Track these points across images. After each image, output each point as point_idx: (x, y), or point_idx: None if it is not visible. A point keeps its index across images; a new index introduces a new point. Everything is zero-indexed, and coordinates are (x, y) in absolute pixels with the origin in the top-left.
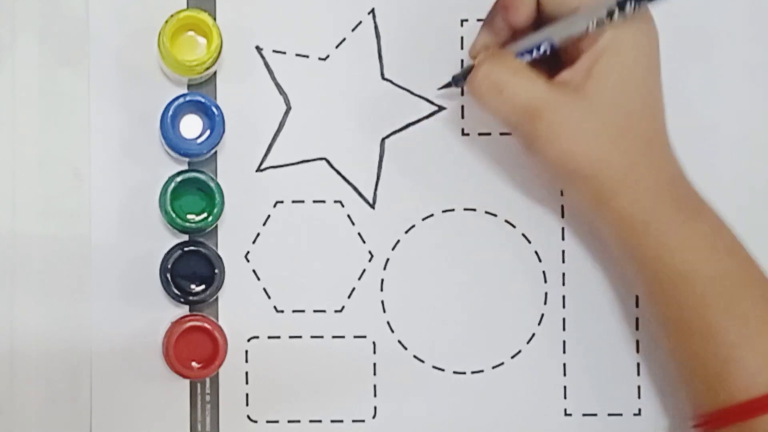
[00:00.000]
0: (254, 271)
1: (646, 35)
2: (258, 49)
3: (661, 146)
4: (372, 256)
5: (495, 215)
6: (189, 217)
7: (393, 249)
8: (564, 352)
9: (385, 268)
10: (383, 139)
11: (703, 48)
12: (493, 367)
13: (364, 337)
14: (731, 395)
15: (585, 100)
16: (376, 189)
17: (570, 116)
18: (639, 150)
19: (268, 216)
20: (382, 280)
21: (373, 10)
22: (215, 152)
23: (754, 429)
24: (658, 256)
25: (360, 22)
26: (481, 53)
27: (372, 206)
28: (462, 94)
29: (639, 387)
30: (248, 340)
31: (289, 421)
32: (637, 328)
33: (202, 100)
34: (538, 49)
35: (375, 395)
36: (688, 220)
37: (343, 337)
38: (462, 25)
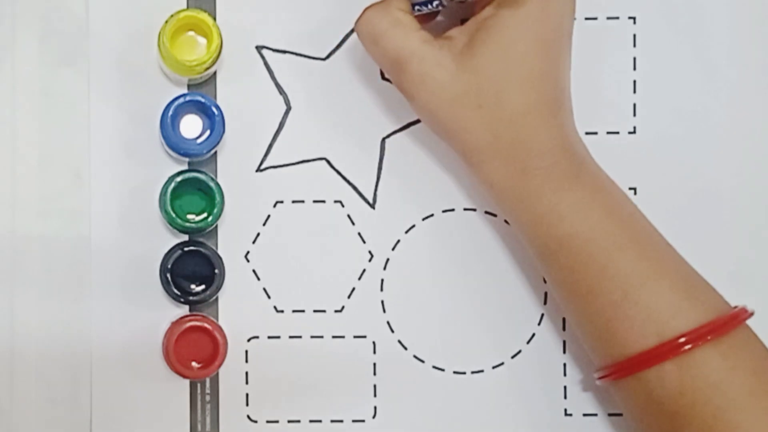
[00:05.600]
0: (254, 271)
1: (534, 15)
2: (258, 49)
3: (538, 119)
4: (372, 256)
5: (495, 215)
6: (189, 217)
7: (393, 249)
8: (564, 352)
9: (385, 268)
10: (383, 139)
11: (702, 47)
12: (493, 367)
13: (364, 337)
14: (621, 350)
15: (458, 62)
16: (376, 189)
17: (436, 73)
18: (506, 123)
19: (268, 216)
20: (382, 280)
21: None
22: (215, 152)
23: (649, 379)
24: (532, 223)
25: None
26: None
27: (372, 206)
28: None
29: None
30: (248, 340)
31: (289, 421)
32: None
33: (202, 100)
34: (431, 3)
35: (375, 395)
36: (561, 189)
37: (343, 337)
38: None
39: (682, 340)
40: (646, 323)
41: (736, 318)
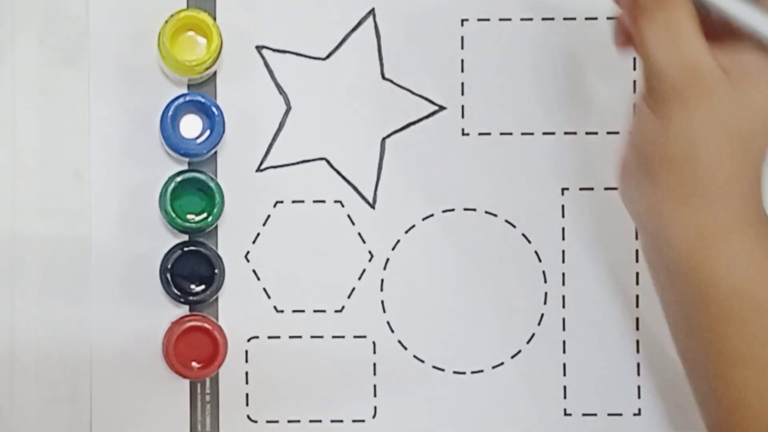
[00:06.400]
0: (254, 271)
1: None
2: (258, 49)
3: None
4: (372, 256)
5: (495, 215)
6: (189, 217)
7: (393, 249)
8: (564, 352)
9: (385, 268)
10: (383, 139)
11: None
12: (493, 367)
13: (364, 337)
14: None
15: (730, 89)
16: (376, 189)
17: (721, 94)
18: (752, 165)
19: (268, 216)
20: (382, 280)
21: (373, 10)
22: (215, 152)
23: None
24: (728, 275)
25: (360, 22)
26: None
27: (372, 206)
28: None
29: (639, 387)
30: (248, 340)
31: (289, 421)
32: (637, 328)
33: (202, 100)
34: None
35: (375, 395)
36: (762, 237)
37: (343, 337)
38: (462, 24)
39: None
40: None
41: None
